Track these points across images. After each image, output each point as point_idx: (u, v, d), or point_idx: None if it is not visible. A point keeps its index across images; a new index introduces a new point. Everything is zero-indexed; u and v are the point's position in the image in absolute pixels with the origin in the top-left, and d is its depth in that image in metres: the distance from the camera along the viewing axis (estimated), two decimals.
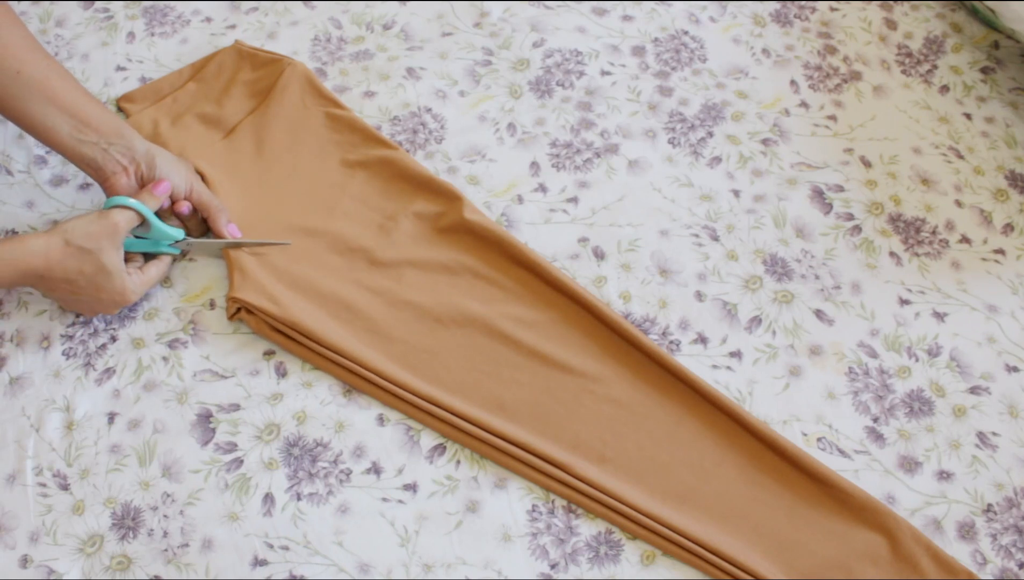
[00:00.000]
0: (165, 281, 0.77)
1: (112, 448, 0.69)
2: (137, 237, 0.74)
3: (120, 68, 0.91)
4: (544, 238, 0.80)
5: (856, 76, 0.94)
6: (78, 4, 0.96)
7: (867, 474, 0.70)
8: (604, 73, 0.92)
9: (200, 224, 0.78)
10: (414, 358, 0.73)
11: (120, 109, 0.87)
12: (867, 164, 0.87)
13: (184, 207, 0.75)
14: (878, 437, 0.71)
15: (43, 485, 0.68)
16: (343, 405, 0.71)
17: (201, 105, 0.86)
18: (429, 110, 0.89)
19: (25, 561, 0.65)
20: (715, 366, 0.74)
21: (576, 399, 0.72)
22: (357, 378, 0.71)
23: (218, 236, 0.76)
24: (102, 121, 0.72)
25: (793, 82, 0.93)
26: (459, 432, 0.69)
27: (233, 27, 0.94)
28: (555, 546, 0.66)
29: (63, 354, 0.73)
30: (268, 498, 0.67)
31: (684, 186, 0.84)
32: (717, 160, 0.86)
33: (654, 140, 0.87)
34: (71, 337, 0.74)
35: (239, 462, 0.69)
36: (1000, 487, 0.70)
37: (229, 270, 0.76)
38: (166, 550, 0.65)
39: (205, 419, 0.70)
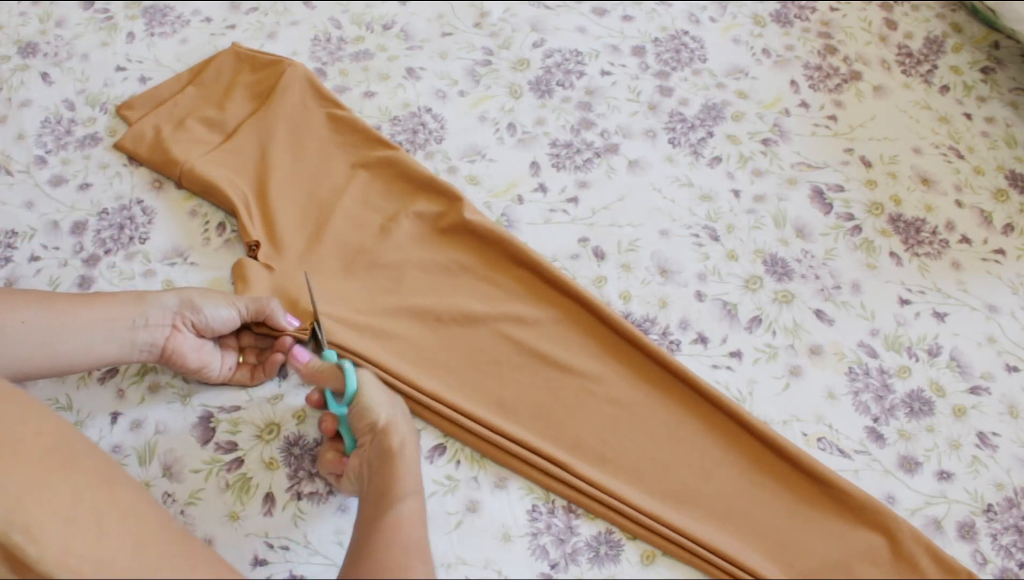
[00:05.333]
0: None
1: (113, 448, 0.69)
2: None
3: (120, 68, 0.91)
4: (544, 238, 0.80)
5: (856, 76, 0.94)
6: (78, 4, 0.96)
7: (867, 474, 0.70)
8: (604, 73, 0.92)
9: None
10: (415, 357, 0.73)
11: (120, 116, 0.87)
12: (867, 164, 0.87)
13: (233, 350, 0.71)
14: (878, 437, 0.72)
15: None
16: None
17: (202, 109, 0.86)
18: (429, 110, 0.89)
19: None
20: (715, 366, 0.74)
21: (576, 399, 0.72)
22: None
23: (281, 330, 0.71)
24: (117, 302, 0.64)
25: (793, 82, 0.93)
26: (459, 430, 0.69)
27: (233, 27, 0.94)
28: (555, 546, 0.66)
29: None
30: (268, 498, 0.67)
31: (684, 186, 0.84)
32: (717, 160, 0.86)
33: (654, 140, 0.87)
34: None
35: (239, 462, 0.69)
36: (1000, 487, 0.70)
37: (233, 277, 0.76)
38: None
39: (206, 419, 0.70)
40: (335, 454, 0.64)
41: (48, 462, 0.34)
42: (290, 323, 0.71)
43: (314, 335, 0.72)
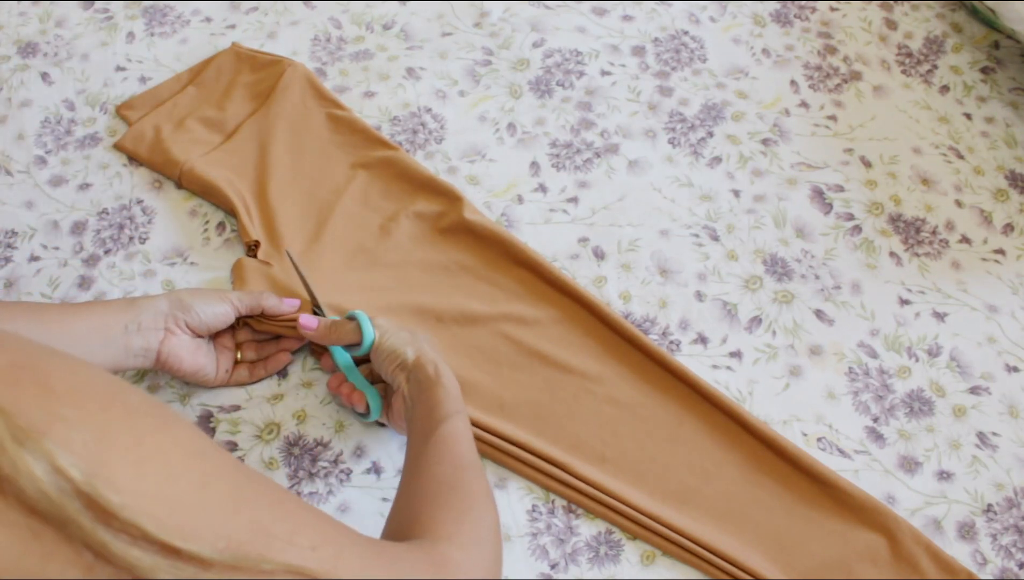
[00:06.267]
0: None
1: None
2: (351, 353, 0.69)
3: (120, 68, 0.91)
4: (544, 238, 0.80)
5: (856, 76, 0.94)
6: (78, 4, 0.96)
7: (867, 474, 0.70)
8: (604, 73, 0.92)
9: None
10: None
11: (120, 116, 0.87)
12: (867, 164, 0.87)
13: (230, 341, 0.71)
14: (878, 437, 0.71)
15: None
16: (343, 405, 0.71)
17: (202, 109, 0.86)
18: (429, 110, 0.89)
19: None
20: (715, 366, 0.74)
21: (576, 399, 0.72)
22: None
23: (282, 315, 0.70)
24: (109, 309, 0.63)
25: (793, 82, 0.93)
26: None
27: (233, 27, 0.94)
28: (555, 546, 0.66)
29: None
30: None
31: (684, 186, 0.84)
32: (717, 160, 0.86)
33: (654, 140, 0.87)
34: None
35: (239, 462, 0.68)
36: (1000, 487, 0.70)
37: (232, 277, 0.76)
38: None
39: (205, 419, 0.70)
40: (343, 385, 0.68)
41: (110, 411, 0.34)
42: (290, 306, 0.70)
43: (315, 312, 0.72)
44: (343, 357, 0.69)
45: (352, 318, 0.66)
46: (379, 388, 0.67)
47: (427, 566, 0.46)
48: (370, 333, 0.64)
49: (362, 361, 0.70)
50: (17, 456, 0.30)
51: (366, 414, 0.67)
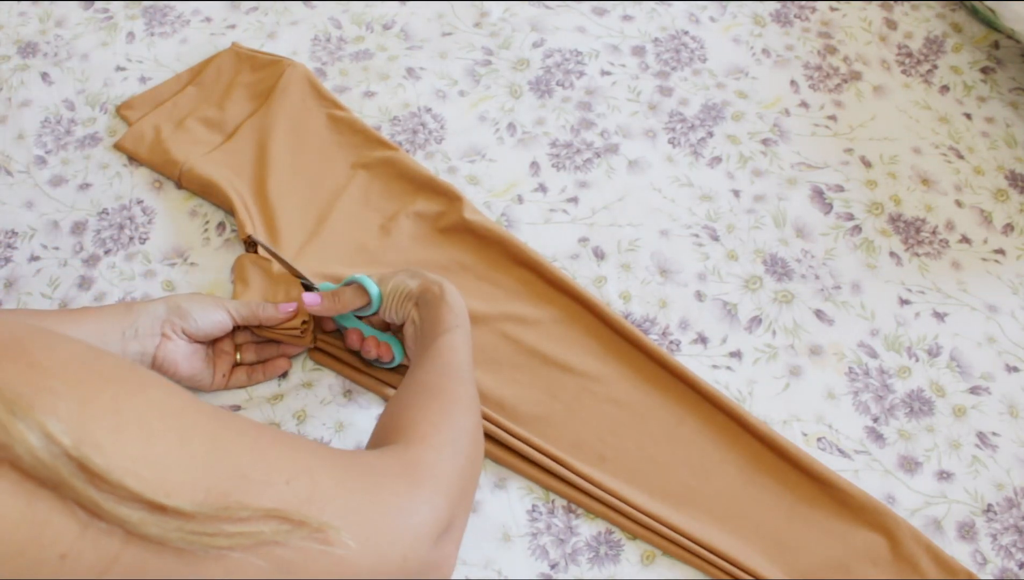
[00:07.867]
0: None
1: None
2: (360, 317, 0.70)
3: (120, 68, 0.91)
4: (544, 238, 0.80)
5: (856, 76, 0.94)
6: (78, 4, 0.96)
7: (867, 474, 0.70)
8: (604, 73, 0.92)
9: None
10: None
11: (120, 116, 0.87)
12: (867, 164, 0.87)
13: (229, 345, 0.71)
14: (878, 437, 0.71)
15: None
16: (343, 405, 0.71)
17: (202, 109, 0.86)
18: (429, 110, 0.89)
19: None
20: (715, 366, 0.74)
21: (576, 399, 0.72)
22: (359, 374, 0.71)
23: (278, 321, 0.69)
24: (106, 315, 0.64)
25: (793, 82, 0.93)
26: None
27: (233, 27, 0.94)
28: (555, 546, 0.66)
29: None
30: None
31: (684, 186, 0.84)
32: (717, 160, 0.86)
33: (654, 140, 0.87)
34: None
35: None
36: (1000, 487, 0.70)
37: (233, 277, 0.76)
38: None
39: None
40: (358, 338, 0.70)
41: (89, 381, 0.36)
42: (286, 311, 0.70)
43: (307, 289, 0.72)
44: (351, 322, 0.70)
45: (350, 283, 0.68)
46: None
47: (399, 469, 0.48)
48: (374, 288, 0.66)
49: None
50: (11, 426, 0.32)
51: (391, 361, 0.69)
